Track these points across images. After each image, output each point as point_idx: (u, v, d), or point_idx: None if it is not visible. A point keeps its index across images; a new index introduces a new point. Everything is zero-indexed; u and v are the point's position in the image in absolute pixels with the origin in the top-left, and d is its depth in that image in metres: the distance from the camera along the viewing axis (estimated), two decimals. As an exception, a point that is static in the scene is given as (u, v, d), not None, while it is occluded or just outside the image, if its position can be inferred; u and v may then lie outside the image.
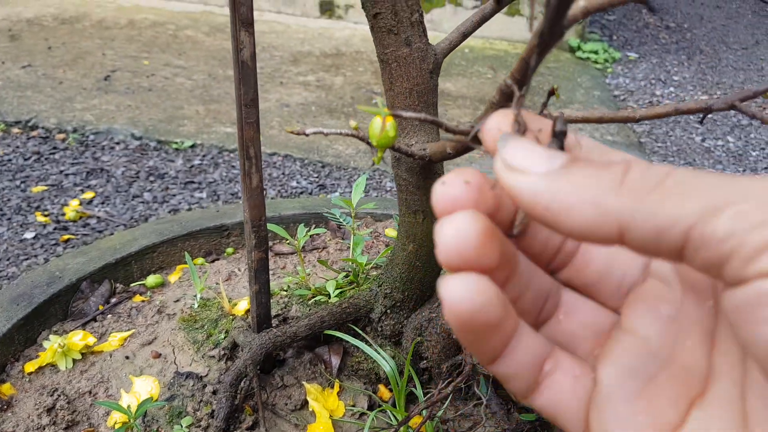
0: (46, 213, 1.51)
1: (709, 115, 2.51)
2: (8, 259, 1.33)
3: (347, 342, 0.52)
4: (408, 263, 0.51)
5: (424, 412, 0.51)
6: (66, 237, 1.42)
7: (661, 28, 4.01)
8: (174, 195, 1.62)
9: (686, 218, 0.16)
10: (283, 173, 1.76)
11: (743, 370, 0.19)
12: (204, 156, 1.81)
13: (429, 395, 0.53)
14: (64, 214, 1.50)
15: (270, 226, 0.63)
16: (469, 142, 0.41)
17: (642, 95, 2.65)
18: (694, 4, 4.90)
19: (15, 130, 1.88)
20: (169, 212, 1.54)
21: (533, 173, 0.19)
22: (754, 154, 2.17)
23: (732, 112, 2.57)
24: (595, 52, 3.01)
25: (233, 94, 2.19)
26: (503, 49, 3.02)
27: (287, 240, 0.62)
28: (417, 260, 0.52)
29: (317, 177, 1.76)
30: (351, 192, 1.62)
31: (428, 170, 0.50)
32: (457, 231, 0.19)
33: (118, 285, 0.69)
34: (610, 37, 3.53)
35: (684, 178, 0.17)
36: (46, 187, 1.61)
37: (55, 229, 1.44)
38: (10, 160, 1.72)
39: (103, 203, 1.57)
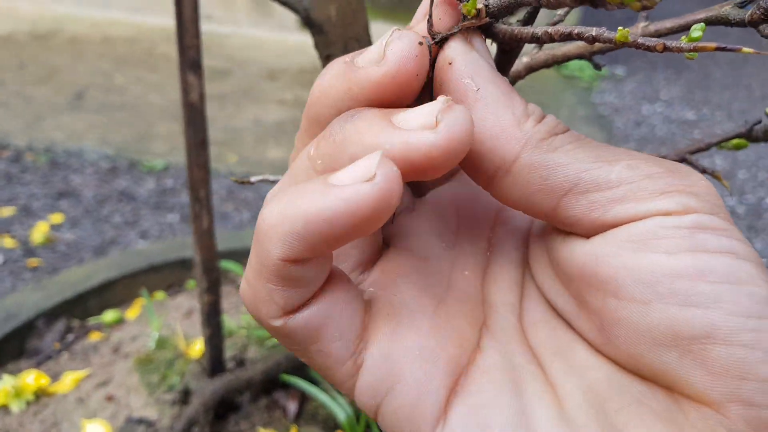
0: (13, 236, 1.50)
1: (695, 134, 2.55)
2: (-28, 286, 1.32)
3: (304, 388, 0.53)
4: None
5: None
6: (34, 263, 1.42)
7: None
8: (144, 217, 1.62)
9: (579, 164, 0.20)
10: (260, 195, 1.77)
11: (519, 304, 0.23)
12: (177, 178, 1.82)
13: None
14: (30, 238, 1.49)
15: (228, 264, 0.64)
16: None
17: (629, 113, 2.69)
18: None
19: (-18, 150, 1.88)
20: (139, 235, 1.54)
21: None
22: (741, 175, 2.21)
23: (719, 131, 2.62)
24: (581, 69, 3.06)
25: (210, 112, 2.21)
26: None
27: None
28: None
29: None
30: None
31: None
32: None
33: (75, 321, 0.70)
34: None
35: (575, 137, 0.21)
36: (14, 210, 1.61)
37: (24, 254, 1.44)
38: (-24, 181, 1.72)
39: (72, 227, 1.57)
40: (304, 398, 0.55)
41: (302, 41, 3.15)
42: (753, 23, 0.33)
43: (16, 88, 2.29)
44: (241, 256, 0.84)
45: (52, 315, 0.69)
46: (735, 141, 0.39)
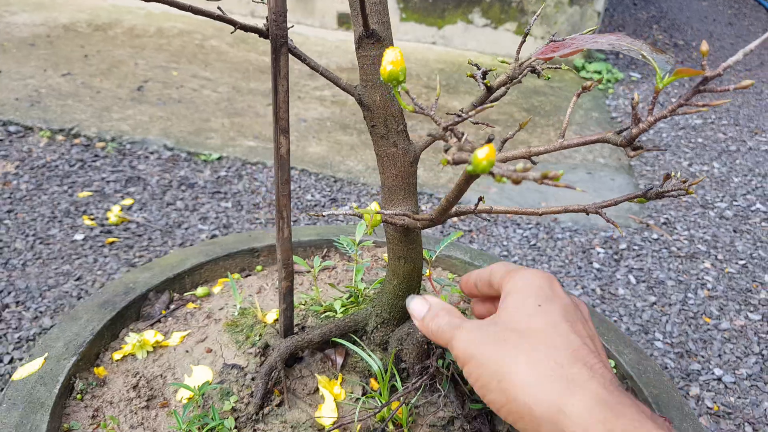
0: (92, 217, 1.74)
1: (699, 140, 2.68)
2: (62, 258, 1.56)
3: (348, 347, 0.74)
4: (393, 293, 0.73)
5: (401, 399, 0.73)
6: (111, 240, 1.65)
7: (670, 46, 4.17)
8: (203, 204, 1.84)
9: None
10: (299, 186, 1.98)
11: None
12: (229, 168, 2.03)
13: (406, 387, 0.75)
14: (107, 219, 1.72)
15: (294, 258, 0.85)
16: (429, 224, 0.64)
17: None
18: (707, 20, 5.03)
19: (59, 137, 2.12)
20: (199, 220, 1.77)
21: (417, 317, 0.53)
22: (736, 180, 2.35)
23: (722, 137, 2.75)
24: (598, 72, 3.19)
25: (256, 107, 2.41)
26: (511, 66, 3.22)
27: (306, 269, 0.84)
28: (400, 291, 0.73)
29: (330, 191, 1.97)
30: (359, 206, 1.82)
31: (407, 230, 0.72)
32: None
33: (175, 294, 0.92)
34: (616, 55, 3.70)
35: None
36: (90, 193, 1.84)
37: (101, 232, 1.67)
38: (57, 166, 1.96)
39: (141, 209, 1.79)
40: (347, 354, 0.76)
41: (341, 39, 3.33)
42: (623, 145, 0.54)
43: (82, 79, 2.52)
44: (296, 247, 1.05)
45: (158, 290, 0.91)
46: (638, 199, 0.58)
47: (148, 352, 0.80)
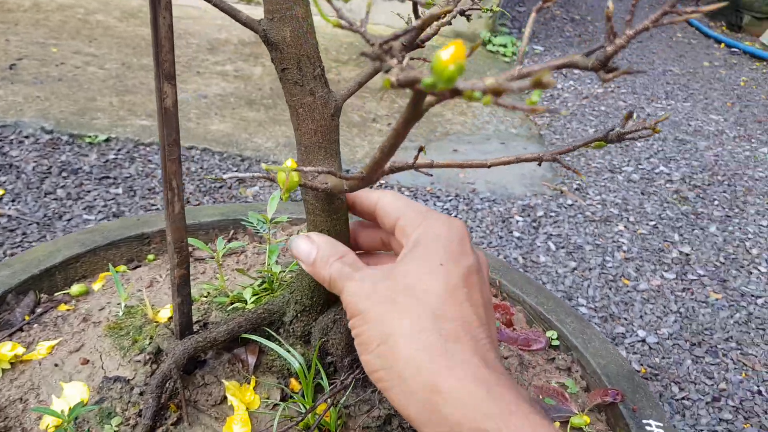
0: (-47, 212, 1.46)
1: (602, 108, 2.72)
2: None
3: (261, 343, 0.59)
4: (314, 274, 0.59)
5: (328, 400, 0.60)
6: (-23, 237, 1.39)
7: (567, 21, 4.25)
8: (89, 191, 1.61)
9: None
10: (201, 167, 1.78)
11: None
12: (119, 150, 1.80)
13: (333, 385, 0.61)
14: (-27, 213, 1.46)
15: (191, 240, 0.69)
16: (359, 185, 0.50)
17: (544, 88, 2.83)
18: (597, -4, 5.20)
19: None
20: (85, 210, 1.53)
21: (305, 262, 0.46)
22: (639, 144, 2.39)
23: (623, 105, 2.80)
24: (504, 46, 3.16)
25: (149, 84, 2.16)
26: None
27: (208, 253, 0.69)
28: (321, 272, 0.59)
29: (237, 171, 1.79)
30: (270, 186, 1.66)
31: (331, 197, 0.58)
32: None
33: (42, 295, 0.73)
34: (519, 30, 3.71)
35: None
36: (-49, 184, 1.56)
37: (-36, 228, 1.41)
38: None
39: (13, 201, 1.53)
40: (261, 352, 0.62)
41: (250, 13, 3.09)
42: (594, 69, 0.42)
43: (-57, 57, 2.16)
44: (196, 230, 0.88)
45: (20, 291, 0.72)
46: (596, 143, 0.48)
47: (3, 370, 0.62)
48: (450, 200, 1.80)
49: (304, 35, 0.58)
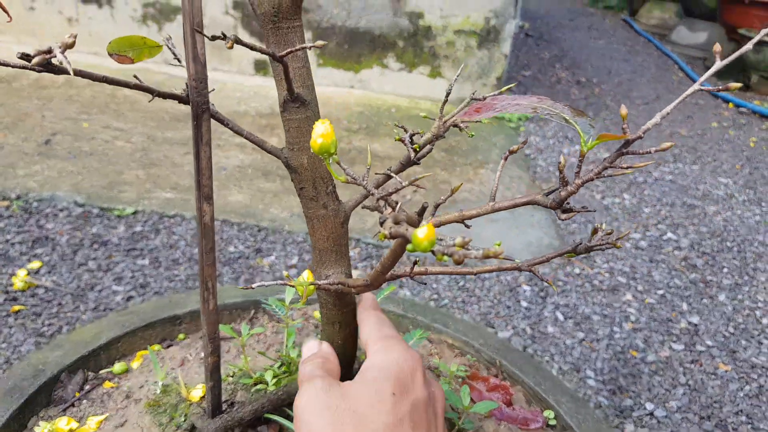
0: (-7, 284, 1.60)
1: (607, 173, 2.84)
2: (-42, 333, 1.42)
3: (282, 423, 0.69)
4: (327, 361, 0.70)
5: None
6: (16, 308, 1.51)
7: (573, 84, 4.43)
8: (117, 263, 1.74)
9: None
10: (221, 238, 1.92)
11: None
12: (145, 222, 1.94)
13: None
14: (12, 285, 1.59)
15: (220, 326, 0.80)
16: (364, 290, 0.62)
17: (550, 153, 2.96)
18: (604, 57, 5.40)
19: (-45, 197, 1.95)
20: (114, 281, 1.66)
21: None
22: (646, 210, 2.49)
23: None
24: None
25: (173, 157, 2.33)
26: (427, 108, 3.30)
27: (232, 336, 0.80)
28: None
29: (254, 241, 1.92)
30: (285, 255, 1.78)
31: (341, 294, 0.69)
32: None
33: (90, 373, 0.84)
34: (525, 94, 3.88)
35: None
36: (-9, 258, 1.70)
37: (5, 300, 1.54)
38: (-48, 229, 1.80)
39: (49, 272, 1.67)
40: (281, 430, 0.72)
41: (259, 85, 3.30)
42: (553, 208, 0.55)
43: (-17, 134, 2.36)
44: (221, 310, 1.00)
45: (71, 369, 0.83)
46: (567, 254, 0.59)
47: (59, 443, 0.73)
48: (457, 267, 1.90)
49: (319, 161, 0.72)
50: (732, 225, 2.44)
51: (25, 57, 0.52)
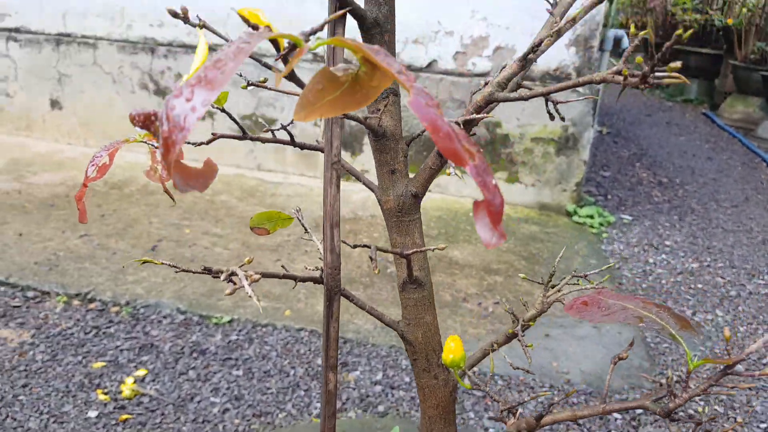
0: (105, 390, 1.75)
1: (699, 286, 2.77)
2: (75, 440, 1.55)
3: None
4: None
5: None
6: (124, 417, 1.65)
7: (654, 184, 4.40)
8: (214, 373, 1.86)
9: None
10: (309, 349, 2.01)
11: None
12: (240, 331, 2.07)
13: None
14: (121, 392, 1.73)
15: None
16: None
17: (636, 263, 2.93)
18: (686, 155, 5.34)
19: (75, 302, 2.17)
20: (211, 392, 1.78)
21: None
22: (741, 329, 2.40)
23: (721, 281, 2.84)
24: (591, 217, 3.34)
25: (265, 264, 2.50)
26: (506, 212, 3.37)
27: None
28: None
29: (339, 353, 2.00)
30: (370, 370, 1.84)
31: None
32: None
33: None
34: (605, 197, 3.90)
35: None
36: (104, 363, 1.86)
37: (114, 408, 1.68)
38: (72, 333, 1.99)
39: (153, 380, 1.81)
40: None
41: (343, 190, 3.51)
42: (662, 416, 0.60)
43: (99, 240, 2.63)
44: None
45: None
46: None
47: None
48: (543, 390, 1.90)
49: (433, 336, 0.81)
50: (838, 346, 2.31)
51: (212, 273, 0.65)
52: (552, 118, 0.70)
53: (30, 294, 2.19)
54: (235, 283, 0.67)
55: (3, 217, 2.77)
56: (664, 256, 3.05)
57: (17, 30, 3.85)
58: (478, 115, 0.68)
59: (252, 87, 0.74)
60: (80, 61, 3.79)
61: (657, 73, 0.49)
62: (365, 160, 3.60)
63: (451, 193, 3.55)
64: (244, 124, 3.64)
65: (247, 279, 0.60)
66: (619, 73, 0.56)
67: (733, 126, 6.32)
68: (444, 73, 3.40)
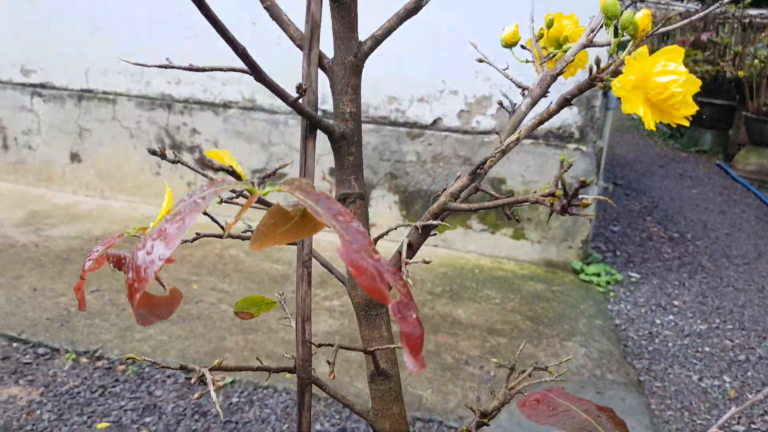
0: (106, 454, 1.78)
1: (707, 349, 2.75)
2: (73, 505, 1.58)
3: None
4: None
5: None
6: (122, 482, 1.68)
7: (665, 240, 4.40)
8: (215, 436, 1.89)
9: None
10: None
11: None
12: (241, 393, 2.11)
13: None
14: (121, 456, 1.77)
15: None
16: None
17: (642, 324, 2.93)
18: (698, 208, 5.34)
19: (83, 359, 2.23)
20: (210, 456, 1.80)
21: None
22: (750, 397, 2.38)
23: (729, 344, 2.82)
24: (597, 275, 3.35)
25: (269, 322, 2.54)
26: (511, 269, 3.40)
27: None
28: None
29: (339, 418, 2.02)
30: (369, 435, 1.85)
31: None
32: None
33: None
34: (614, 252, 3.91)
35: None
36: (108, 424, 1.91)
37: (113, 473, 1.71)
38: (79, 392, 2.04)
39: (154, 443, 1.84)
40: None
41: (330, 240, 3.57)
42: None
43: (110, 296, 2.70)
44: None
45: None
46: None
47: None
48: (541, 459, 1.89)
49: (400, 426, 0.85)
50: None
51: (186, 370, 0.70)
52: (509, 219, 0.76)
53: (41, 351, 2.25)
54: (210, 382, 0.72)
55: (19, 271, 2.86)
56: (671, 316, 3.04)
57: (42, 86, 4.04)
58: (434, 221, 0.75)
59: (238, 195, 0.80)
60: (100, 116, 3.95)
61: (572, 206, 0.58)
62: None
63: (457, 248, 3.59)
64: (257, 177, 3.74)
65: (213, 384, 0.65)
66: (552, 194, 0.63)
67: (748, 178, 6.32)
68: (448, 130, 3.49)
